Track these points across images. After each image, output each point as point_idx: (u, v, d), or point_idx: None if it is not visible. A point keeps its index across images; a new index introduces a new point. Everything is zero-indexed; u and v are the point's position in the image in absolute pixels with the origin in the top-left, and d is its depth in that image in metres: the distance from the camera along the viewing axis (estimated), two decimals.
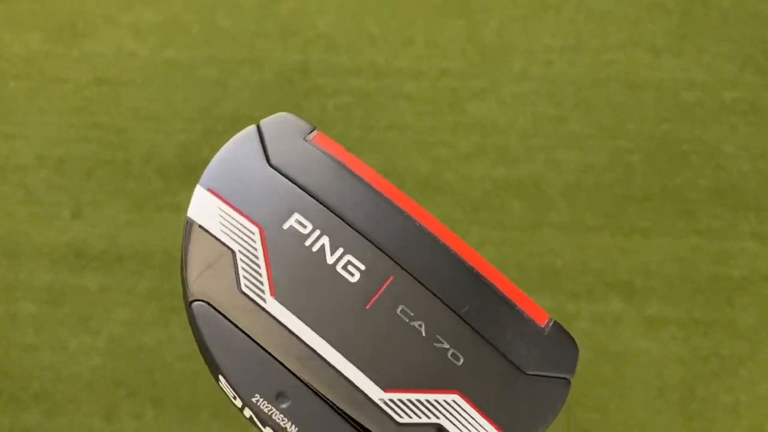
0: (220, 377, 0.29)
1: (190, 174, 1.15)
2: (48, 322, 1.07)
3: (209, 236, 0.31)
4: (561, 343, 0.33)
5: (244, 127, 1.20)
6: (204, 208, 0.33)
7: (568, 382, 0.32)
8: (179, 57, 1.24)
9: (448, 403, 0.28)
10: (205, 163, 1.14)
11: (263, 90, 1.21)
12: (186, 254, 0.31)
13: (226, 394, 0.30)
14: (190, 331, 1.08)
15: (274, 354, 0.28)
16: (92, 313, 1.08)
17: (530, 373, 0.31)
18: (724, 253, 1.10)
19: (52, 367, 1.04)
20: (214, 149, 1.20)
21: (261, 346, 0.28)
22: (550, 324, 0.31)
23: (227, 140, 1.31)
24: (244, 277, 0.30)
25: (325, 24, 1.26)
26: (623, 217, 1.11)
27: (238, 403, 0.29)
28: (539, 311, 0.33)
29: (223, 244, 0.30)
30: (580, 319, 1.06)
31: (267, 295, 0.29)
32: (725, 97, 1.20)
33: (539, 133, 1.17)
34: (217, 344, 0.29)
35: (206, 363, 0.30)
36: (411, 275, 0.31)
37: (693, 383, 1.03)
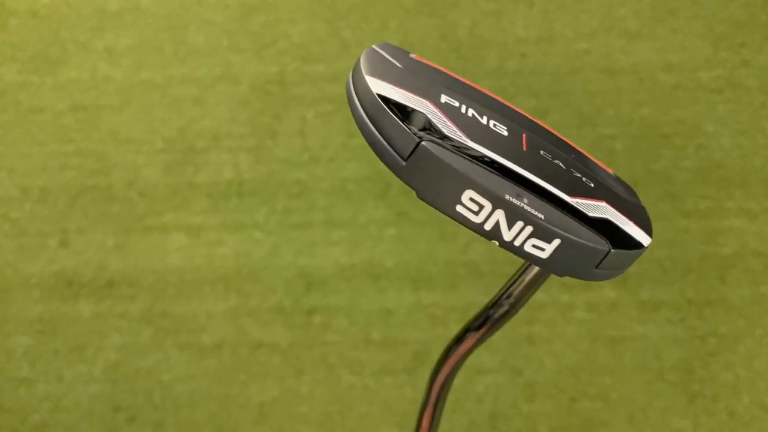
0: (467, 192, 0.34)
1: (174, 194, 1.15)
2: (42, 353, 1.06)
3: (396, 102, 0.36)
4: (624, 183, 0.42)
5: (224, 144, 1.19)
6: (382, 87, 0.37)
7: (644, 209, 0.39)
8: (154, 77, 1.24)
9: (605, 208, 0.35)
10: (189, 182, 1.14)
11: (241, 104, 1.20)
12: (384, 118, 0.36)
13: (462, 217, 0.34)
14: (186, 352, 1.08)
15: (497, 173, 0.34)
16: (86, 340, 1.07)
17: (625, 197, 0.38)
18: (713, 232, 1.10)
19: (49, 398, 1.04)
20: (197, 167, 1.20)
21: (484, 167, 0.34)
22: (614, 173, 0.43)
23: (209, 158, 1.30)
24: (440, 125, 0.35)
25: (298, 33, 1.26)
26: None
27: (486, 209, 0.34)
28: (605, 166, 0.42)
29: (412, 108, 0.36)
30: (575, 308, 1.06)
31: (464, 137, 0.35)
32: (702, 76, 1.21)
33: None
34: (457, 164, 0.33)
35: (441, 192, 0.34)
36: (532, 134, 0.39)
37: (692, 363, 1.04)
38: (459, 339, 0.47)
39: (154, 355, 1.06)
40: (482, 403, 1.02)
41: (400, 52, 0.42)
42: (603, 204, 0.35)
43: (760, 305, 1.06)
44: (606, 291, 1.07)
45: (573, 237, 0.33)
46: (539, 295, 1.07)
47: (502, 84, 1.20)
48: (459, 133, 0.35)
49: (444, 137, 0.34)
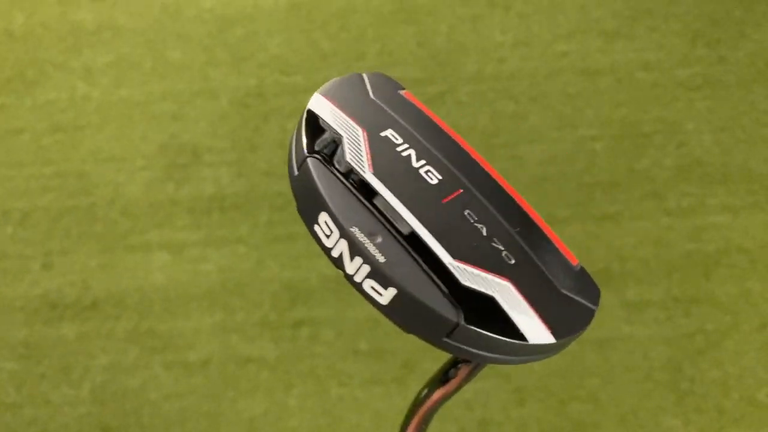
0: (322, 214, 0.34)
1: (156, 211, 1.14)
2: (28, 377, 1.05)
3: (323, 122, 0.38)
4: (588, 281, 0.37)
5: (205, 158, 1.19)
6: (320, 106, 0.39)
7: (593, 311, 0.35)
8: (133, 95, 1.23)
9: (501, 285, 0.33)
10: (171, 198, 1.14)
11: (221, 118, 1.20)
12: (299, 131, 0.38)
13: (317, 237, 0.35)
14: (174, 370, 1.07)
15: (368, 206, 0.34)
16: (73, 362, 1.06)
17: (564, 291, 0.35)
18: (696, 229, 1.11)
19: (36, 423, 1.03)
20: (178, 183, 1.20)
21: (359, 198, 0.34)
22: (579, 266, 0.37)
23: (191, 173, 1.30)
24: (349, 151, 0.36)
25: (276, 45, 1.26)
26: (592, 204, 1.11)
27: (334, 236, 0.34)
28: (571, 254, 0.38)
29: (334, 130, 0.37)
30: None
31: (366, 168, 0.35)
32: (680, 74, 1.21)
33: (500, 130, 1.17)
34: (324, 186, 0.34)
35: (307, 208, 0.36)
36: (476, 194, 0.36)
37: (680, 362, 1.04)
38: (423, 397, 0.45)
39: (142, 374, 1.05)
40: (472, 409, 1.02)
41: (387, 85, 0.43)
42: (503, 282, 0.33)
43: (745, 301, 1.06)
44: None
45: (412, 292, 0.32)
46: None
47: (480, 89, 1.20)
48: (364, 163, 0.35)
49: (338, 161, 0.36)
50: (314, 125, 0.38)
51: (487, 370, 1.04)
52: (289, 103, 1.21)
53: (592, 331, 1.05)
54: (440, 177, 0.36)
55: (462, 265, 0.32)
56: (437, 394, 0.45)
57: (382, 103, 0.40)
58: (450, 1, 1.27)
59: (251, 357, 1.05)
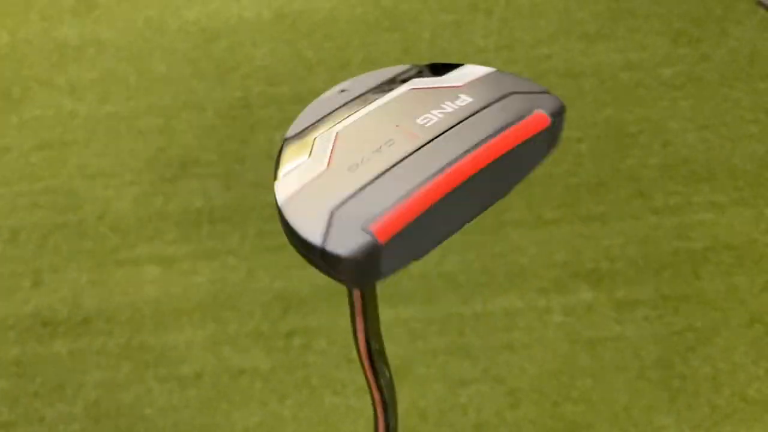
0: None
1: (145, 225, 1.14)
2: (21, 395, 1.05)
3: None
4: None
5: (193, 171, 1.19)
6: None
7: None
8: (120, 110, 1.23)
9: None
10: (160, 212, 1.14)
11: (207, 131, 1.20)
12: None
13: None
14: (167, 384, 1.07)
15: None
16: (65, 379, 1.06)
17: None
18: (684, 227, 1.11)
19: None
20: (167, 197, 1.20)
21: None
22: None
23: (179, 186, 1.30)
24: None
25: (261, 56, 1.26)
26: (579, 205, 1.12)
27: None
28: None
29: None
30: (552, 312, 1.07)
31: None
32: (663, 73, 1.22)
33: None
34: None
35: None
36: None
37: (671, 360, 1.04)
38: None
39: (135, 389, 1.05)
40: (466, 414, 1.02)
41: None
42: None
43: (734, 297, 1.07)
44: (582, 293, 1.07)
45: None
46: (515, 302, 1.07)
47: None
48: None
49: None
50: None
51: (479, 373, 1.05)
52: (275, 113, 1.22)
53: (583, 331, 1.06)
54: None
55: None
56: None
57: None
58: (432, 8, 1.27)
59: (244, 368, 1.05)
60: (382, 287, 1.11)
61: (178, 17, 1.30)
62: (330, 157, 0.37)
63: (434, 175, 0.36)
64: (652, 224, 1.11)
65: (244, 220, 1.14)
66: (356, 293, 0.41)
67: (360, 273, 0.34)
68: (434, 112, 0.39)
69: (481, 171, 0.37)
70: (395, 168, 0.37)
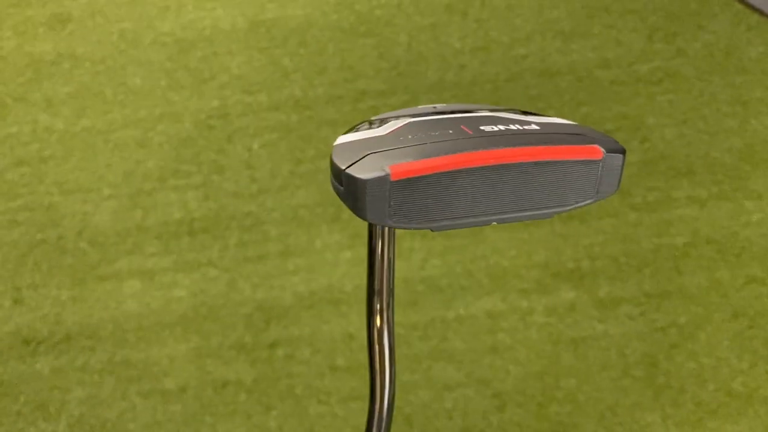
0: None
1: (125, 239, 1.14)
2: (4, 415, 1.04)
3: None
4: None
5: (171, 183, 1.18)
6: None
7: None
8: (96, 124, 1.23)
9: None
10: (139, 225, 1.13)
11: (185, 142, 1.20)
12: None
13: None
14: (151, 399, 1.06)
15: None
16: (48, 397, 1.05)
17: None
18: (664, 223, 1.11)
19: None
20: (146, 210, 1.19)
21: None
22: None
23: (157, 199, 1.30)
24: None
25: (237, 65, 1.26)
26: None
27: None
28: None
29: None
30: (534, 313, 1.06)
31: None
32: (639, 69, 1.22)
33: None
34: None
35: None
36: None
37: (655, 356, 1.04)
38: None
39: (119, 405, 1.04)
40: (452, 419, 1.02)
41: None
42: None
43: (716, 291, 1.07)
44: (564, 293, 1.07)
45: None
46: (498, 304, 1.07)
47: (443, 97, 1.20)
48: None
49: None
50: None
51: (464, 377, 1.05)
52: (253, 122, 1.21)
53: (566, 331, 1.05)
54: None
55: None
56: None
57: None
58: (408, 11, 1.27)
59: (228, 380, 1.05)
60: (364, 291, 1.11)
61: (152, 29, 1.29)
62: (392, 131, 0.42)
63: (464, 150, 0.40)
64: (632, 221, 1.11)
65: (224, 230, 1.13)
66: (374, 232, 0.45)
67: (372, 201, 0.38)
68: (500, 126, 0.43)
69: (512, 168, 0.40)
70: (437, 142, 0.41)
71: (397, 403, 1.03)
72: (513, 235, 1.10)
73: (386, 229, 0.46)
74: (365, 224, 1.19)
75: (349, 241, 1.12)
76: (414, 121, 0.44)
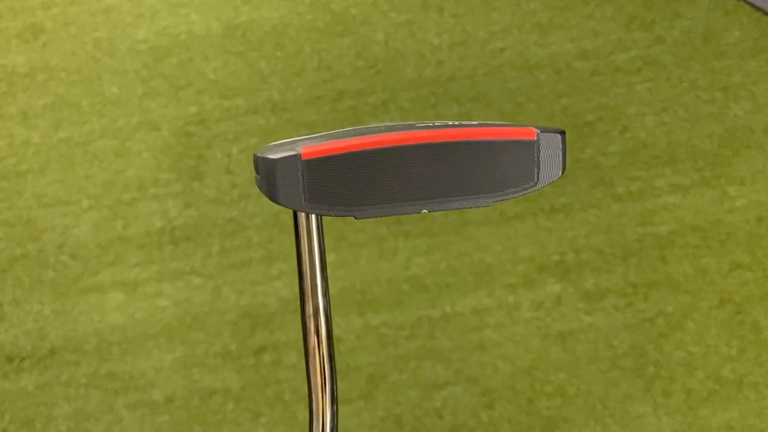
0: None
1: (106, 251, 1.12)
2: None
3: None
4: None
5: (151, 192, 1.17)
6: None
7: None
8: (73, 135, 1.21)
9: None
10: (121, 236, 1.12)
11: (164, 150, 1.18)
12: None
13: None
14: (138, 410, 1.05)
15: None
16: (34, 414, 1.04)
17: None
18: (648, 213, 1.11)
19: None
20: (127, 220, 1.18)
21: None
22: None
23: (138, 209, 1.28)
24: None
25: (213, 70, 1.25)
26: (541, 198, 1.11)
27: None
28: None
29: None
30: (521, 308, 1.06)
31: None
32: (617, 59, 1.21)
33: None
34: None
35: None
36: None
37: (644, 347, 1.04)
38: None
39: (106, 419, 1.03)
40: (442, 418, 1.01)
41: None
42: None
43: (702, 279, 1.07)
44: (549, 286, 1.07)
45: None
46: (484, 300, 1.06)
47: (422, 94, 1.19)
48: None
49: None
50: None
51: (452, 376, 1.04)
52: (232, 127, 1.20)
53: (554, 325, 1.05)
54: None
55: None
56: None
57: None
58: (383, 9, 1.26)
59: (215, 389, 1.04)
60: (351, 293, 1.09)
61: (127, 37, 1.28)
62: (324, 134, 0.40)
63: (384, 132, 0.39)
64: (616, 212, 1.11)
65: (206, 238, 1.12)
66: (297, 222, 0.43)
67: (284, 183, 0.37)
68: (436, 122, 0.42)
69: (431, 149, 0.39)
70: (359, 132, 0.39)
71: (386, 404, 1.02)
72: (497, 230, 1.09)
73: (311, 220, 0.43)
74: (349, 227, 1.18)
75: (332, 244, 1.11)
76: (354, 128, 0.42)
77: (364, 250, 1.11)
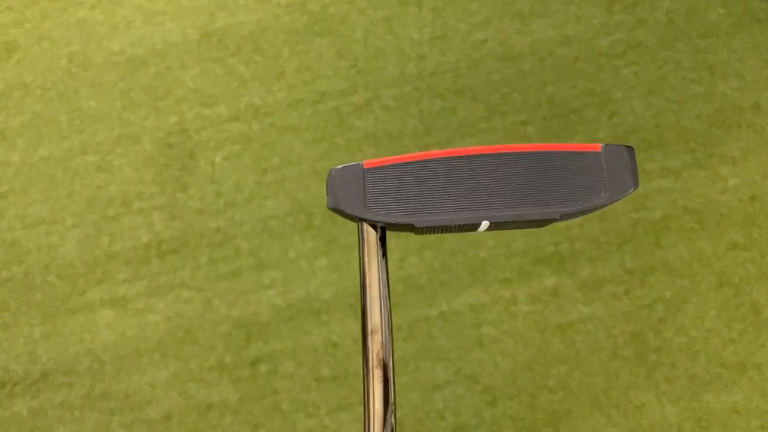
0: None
1: (93, 269, 1.10)
2: None
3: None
4: None
5: (135, 206, 1.15)
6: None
7: None
8: (53, 152, 1.19)
9: None
10: (107, 253, 1.09)
11: (146, 162, 1.16)
12: None
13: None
14: (135, 429, 1.03)
15: None
16: None
17: None
18: (641, 197, 1.09)
19: None
20: (112, 236, 1.15)
21: None
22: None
23: (123, 224, 1.26)
24: None
25: (191, 78, 1.22)
26: None
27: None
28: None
29: None
30: (518, 302, 1.04)
31: None
32: (601, 43, 1.20)
33: (431, 129, 1.15)
34: None
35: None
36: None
37: (644, 334, 1.02)
38: None
39: None
40: (444, 418, 0.99)
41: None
42: None
43: (699, 262, 1.05)
44: (545, 278, 1.05)
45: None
46: (480, 296, 1.05)
47: (405, 91, 1.17)
48: None
49: None
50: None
51: (452, 375, 1.02)
52: (214, 134, 1.18)
53: (552, 317, 1.03)
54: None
55: None
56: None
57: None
58: (361, 6, 1.24)
59: (212, 403, 1.02)
60: (345, 296, 1.07)
61: (102, 49, 1.26)
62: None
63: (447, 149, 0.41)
64: None
65: (193, 249, 1.10)
66: (361, 230, 0.43)
67: (347, 190, 0.39)
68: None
69: (499, 158, 0.39)
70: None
71: None
72: None
73: (372, 234, 0.43)
74: (339, 229, 1.15)
75: (323, 248, 1.09)
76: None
77: (355, 253, 1.09)
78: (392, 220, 0.40)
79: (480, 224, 0.40)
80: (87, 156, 1.18)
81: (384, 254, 0.43)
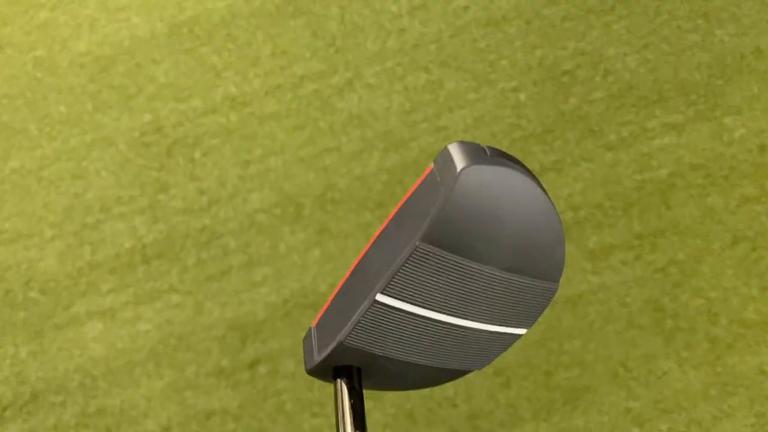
0: None
1: (77, 281, 1.05)
2: None
3: None
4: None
5: (116, 211, 1.09)
6: None
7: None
8: (25, 163, 1.13)
9: None
10: (90, 263, 1.04)
11: (123, 165, 1.11)
12: None
13: None
14: None
15: None
16: None
17: None
18: (644, 157, 1.04)
19: None
20: (94, 245, 1.09)
21: None
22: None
23: (104, 231, 1.20)
24: None
25: (163, 73, 1.17)
26: (530, 158, 1.04)
27: None
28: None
29: None
30: None
31: None
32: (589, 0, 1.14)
33: (418, 105, 1.09)
34: None
35: None
36: None
37: (659, 300, 0.97)
38: None
39: None
40: (457, 406, 0.94)
41: None
42: None
43: (711, 219, 1.00)
44: None
45: None
46: None
47: (387, 66, 1.12)
48: None
49: None
50: None
51: None
52: (191, 130, 1.12)
53: (561, 291, 0.98)
54: None
55: None
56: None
57: None
58: None
59: (213, 410, 0.97)
60: None
61: (67, 51, 1.20)
62: None
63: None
64: (610, 162, 1.04)
65: (179, 252, 1.05)
66: (336, 387, 0.41)
67: (305, 350, 0.40)
68: None
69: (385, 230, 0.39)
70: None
71: (396, 399, 0.96)
72: None
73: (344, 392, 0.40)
74: (330, 217, 1.09)
75: (315, 238, 1.04)
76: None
77: (349, 241, 1.04)
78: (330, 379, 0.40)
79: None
80: (61, 163, 1.13)
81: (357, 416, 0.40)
